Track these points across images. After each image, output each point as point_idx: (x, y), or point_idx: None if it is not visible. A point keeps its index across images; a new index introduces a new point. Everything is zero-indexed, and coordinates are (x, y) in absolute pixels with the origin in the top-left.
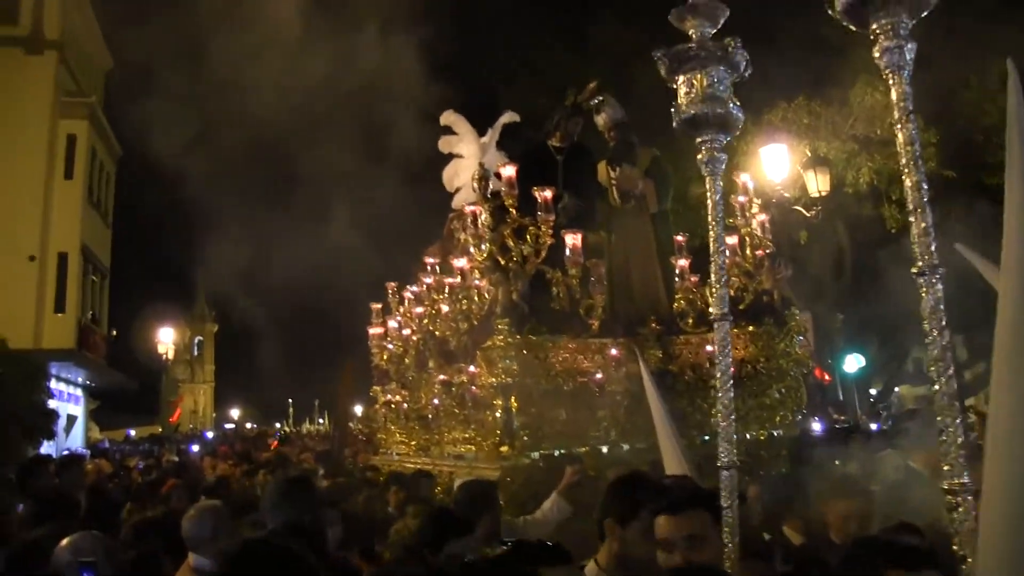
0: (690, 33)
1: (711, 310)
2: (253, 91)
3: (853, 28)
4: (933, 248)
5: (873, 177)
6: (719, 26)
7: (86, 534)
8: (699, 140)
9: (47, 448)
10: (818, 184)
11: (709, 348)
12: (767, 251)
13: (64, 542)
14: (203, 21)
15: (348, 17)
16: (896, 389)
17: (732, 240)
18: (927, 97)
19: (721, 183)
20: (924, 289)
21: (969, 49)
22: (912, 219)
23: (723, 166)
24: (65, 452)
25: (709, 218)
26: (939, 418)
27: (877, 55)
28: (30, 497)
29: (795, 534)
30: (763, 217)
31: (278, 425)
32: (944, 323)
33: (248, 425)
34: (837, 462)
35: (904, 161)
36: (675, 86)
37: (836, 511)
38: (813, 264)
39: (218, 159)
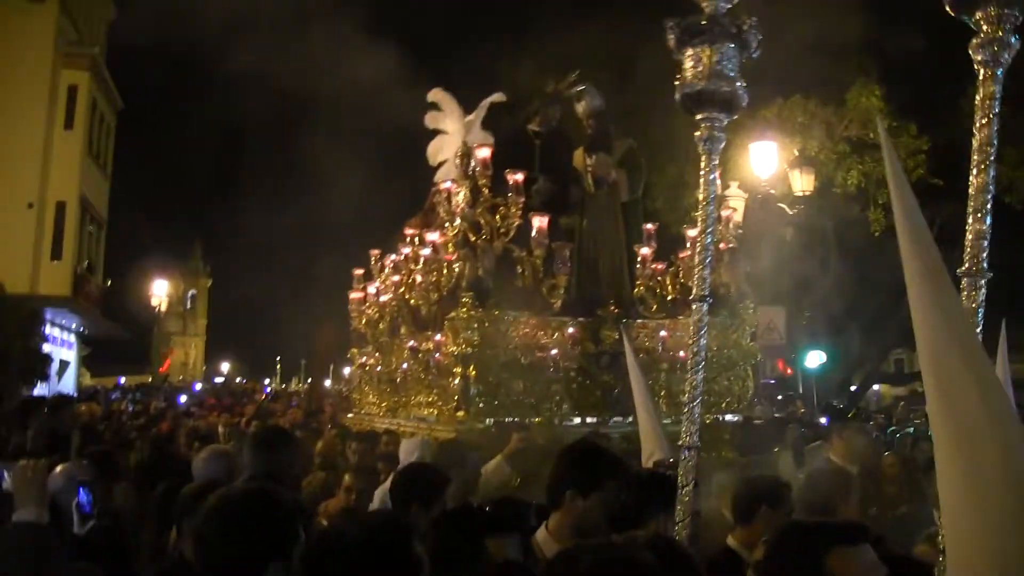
0: (704, 7)
1: (694, 291)
2: (254, 52)
3: (954, 15)
4: (985, 254)
5: (862, 180)
6: (733, 2)
7: (77, 462)
8: (699, 117)
9: (40, 390)
10: (802, 183)
11: (663, 333)
12: (729, 245)
13: (57, 469)
14: None
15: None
16: (876, 387)
17: (694, 233)
18: (922, 104)
19: (717, 164)
20: (966, 291)
21: (965, 58)
22: (970, 220)
23: (721, 146)
24: (56, 394)
25: (700, 197)
26: None
27: (974, 48)
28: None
29: None
30: (727, 212)
31: (267, 381)
32: (979, 327)
33: (238, 380)
34: (776, 449)
35: (977, 160)
36: (682, 58)
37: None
38: (798, 261)
39: (217, 117)
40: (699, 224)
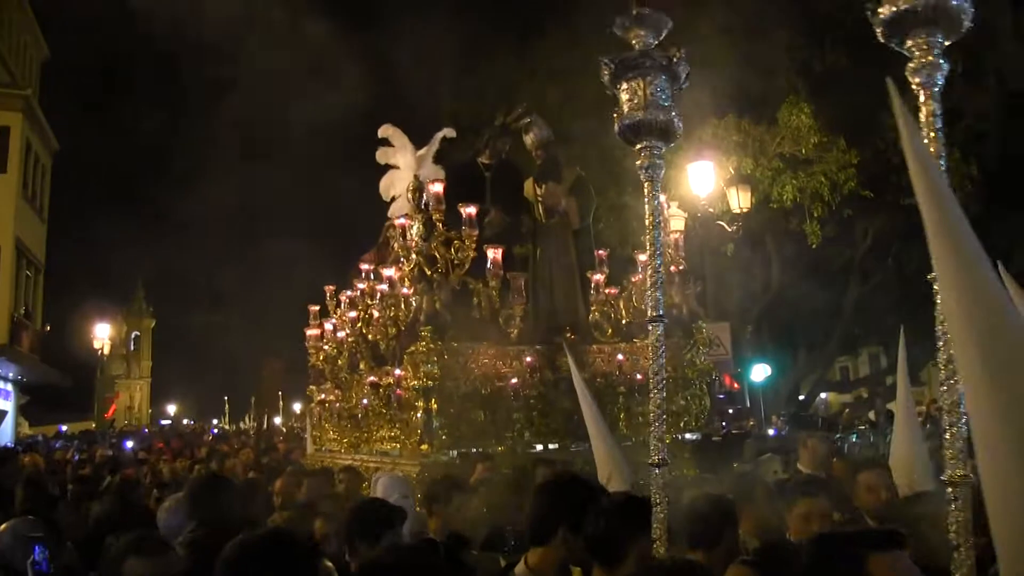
0: (633, 43)
1: (648, 312)
2: (192, 84)
3: (892, 45)
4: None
5: (796, 194)
6: (661, 37)
7: (25, 518)
8: (639, 147)
9: None
10: (739, 201)
11: (620, 357)
12: (679, 267)
13: (3, 527)
14: (147, 14)
15: (295, 19)
16: (823, 395)
17: (644, 257)
18: (849, 119)
19: (659, 190)
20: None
21: (886, 73)
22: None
23: (662, 172)
24: None
25: (646, 222)
26: (946, 416)
27: (911, 72)
28: None
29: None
30: (676, 235)
31: (215, 421)
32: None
33: (184, 421)
34: (735, 464)
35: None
36: (618, 92)
37: (796, 511)
38: (740, 276)
39: (158, 153)
40: (647, 248)
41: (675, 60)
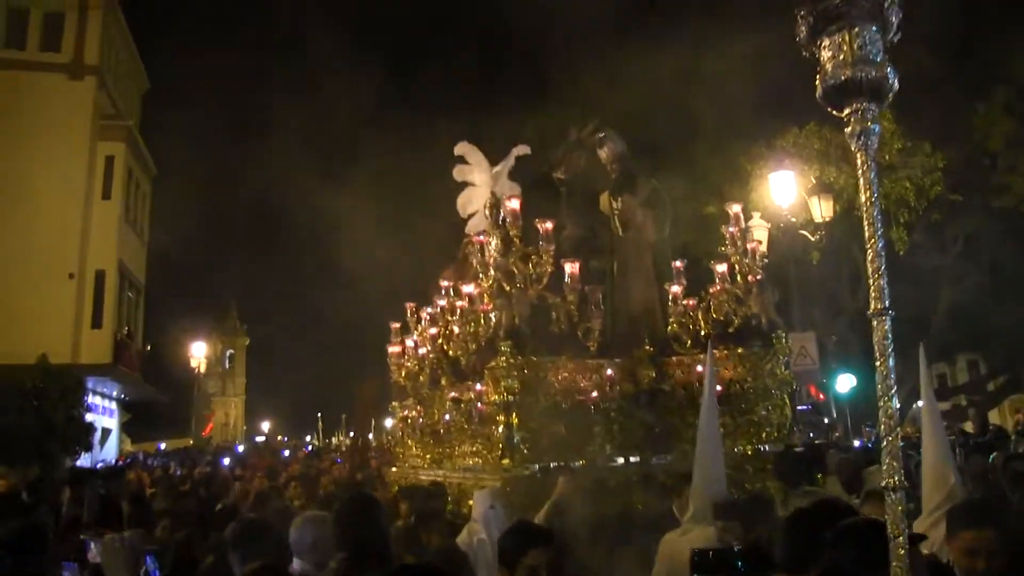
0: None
1: (872, 305)
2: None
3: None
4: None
5: (882, 201)
6: None
7: (137, 531)
8: (847, 111)
9: (83, 460)
10: (822, 209)
11: (700, 368)
12: (757, 277)
13: (117, 538)
14: (238, 45)
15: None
16: (918, 404)
17: (722, 268)
18: (935, 122)
19: (875, 160)
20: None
21: (976, 76)
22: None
23: (877, 139)
24: (100, 464)
25: (862, 199)
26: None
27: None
28: (80, 504)
29: None
30: (753, 245)
31: (308, 438)
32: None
33: (279, 437)
34: (819, 475)
35: (866, 227)
36: (816, 50)
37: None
38: (829, 284)
39: (249, 177)
40: (866, 227)
41: (887, 5)
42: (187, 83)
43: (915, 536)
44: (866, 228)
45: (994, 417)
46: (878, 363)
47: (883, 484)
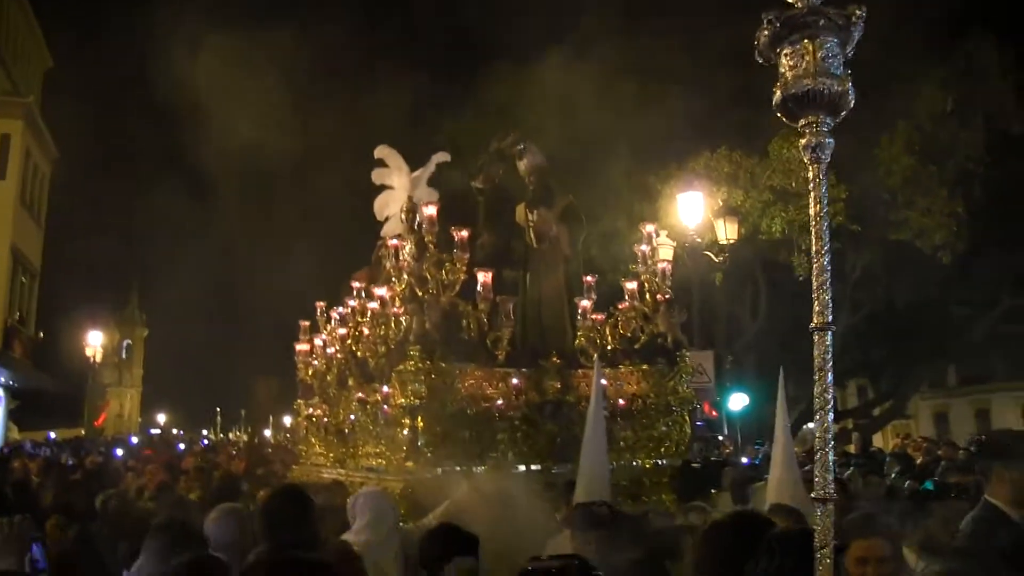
0: (796, 2)
1: (814, 319)
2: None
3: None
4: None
5: (785, 227)
6: None
7: (24, 517)
8: (803, 123)
9: None
10: (726, 232)
11: (604, 382)
12: (665, 296)
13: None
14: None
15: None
16: (808, 425)
17: (632, 285)
18: (840, 156)
19: (826, 175)
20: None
21: (881, 110)
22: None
23: (830, 153)
24: None
25: (812, 213)
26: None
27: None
28: None
29: None
30: (663, 265)
31: (205, 432)
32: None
33: (174, 431)
34: (713, 491)
35: (814, 240)
36: (774, 57)
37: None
38: (730, 305)
39: (155, 164)
40: (814, 240)
41: (854, 19)
42: (94, 63)
43: (840, 547)
44: (814, 242)
45: (877, 441)
46: (816, 377)
47: (813, 495)
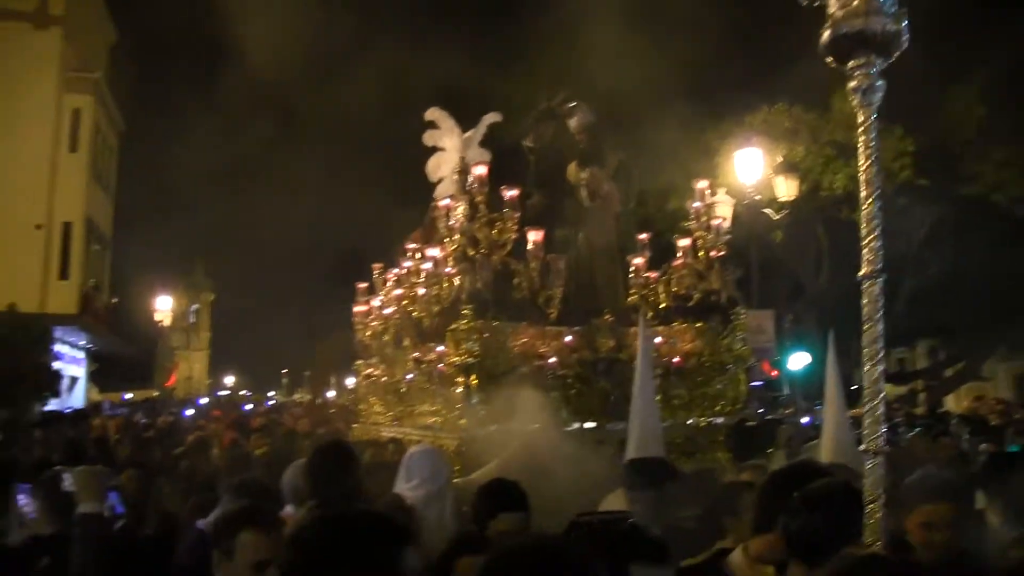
0: None
1: (863, 268)
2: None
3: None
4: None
5: (848, 183)
6: None
7: (101, 467)
8: (852, 64)
9: (52, 406)
10: (786, 189)
11: (658, 340)
12: (719, 253)
13: (82, 470)
14: None
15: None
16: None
17: (685, 242)
18: (907, 107)
19: (876, 116)
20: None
21: (951, 61)
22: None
23: (881, 96)
24: (68, 409)
25: (860, 159)
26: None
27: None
28: (49, 445)
29: None
30: (717, 221)
31: (271, 393)
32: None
33: (241, 392)
34: (769, 450)
35: (863, 187)
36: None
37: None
38: (791, 263)
39: (218, 132)
40: (863, 187)
41: None
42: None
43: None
44: (863, 188)
45: (950, 403)
46: (866, 327)
47: (863, 447)
